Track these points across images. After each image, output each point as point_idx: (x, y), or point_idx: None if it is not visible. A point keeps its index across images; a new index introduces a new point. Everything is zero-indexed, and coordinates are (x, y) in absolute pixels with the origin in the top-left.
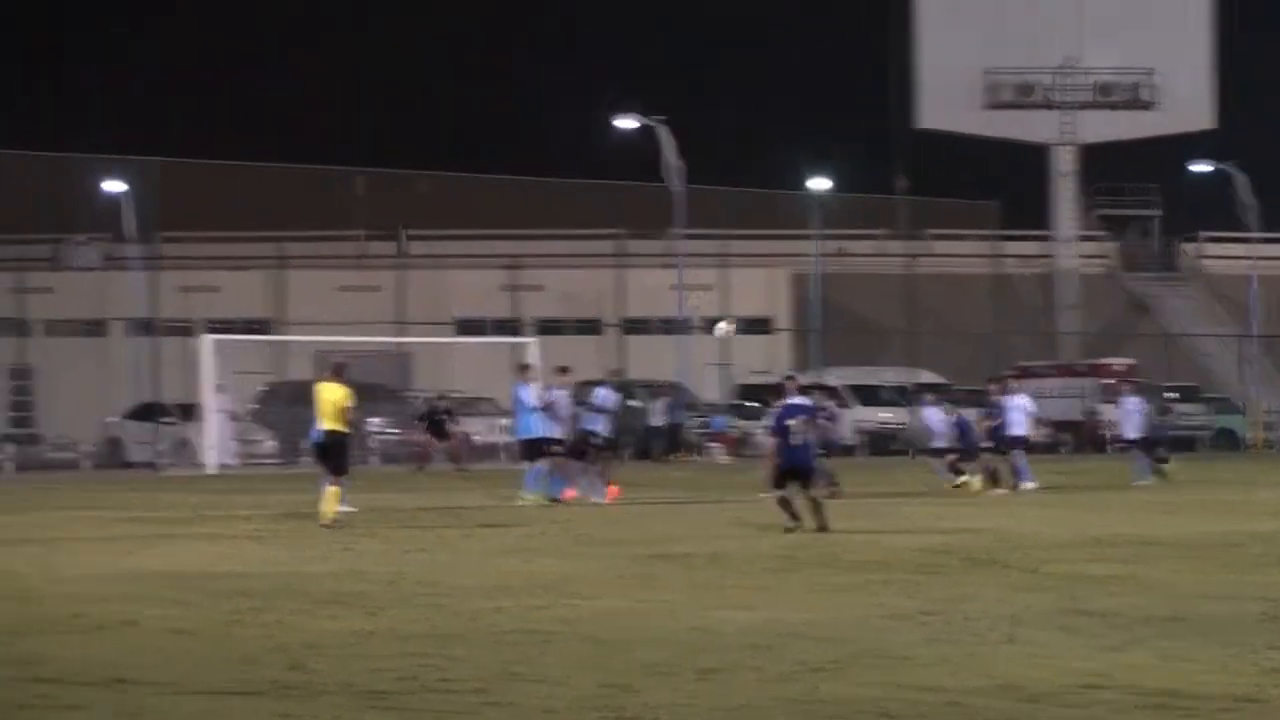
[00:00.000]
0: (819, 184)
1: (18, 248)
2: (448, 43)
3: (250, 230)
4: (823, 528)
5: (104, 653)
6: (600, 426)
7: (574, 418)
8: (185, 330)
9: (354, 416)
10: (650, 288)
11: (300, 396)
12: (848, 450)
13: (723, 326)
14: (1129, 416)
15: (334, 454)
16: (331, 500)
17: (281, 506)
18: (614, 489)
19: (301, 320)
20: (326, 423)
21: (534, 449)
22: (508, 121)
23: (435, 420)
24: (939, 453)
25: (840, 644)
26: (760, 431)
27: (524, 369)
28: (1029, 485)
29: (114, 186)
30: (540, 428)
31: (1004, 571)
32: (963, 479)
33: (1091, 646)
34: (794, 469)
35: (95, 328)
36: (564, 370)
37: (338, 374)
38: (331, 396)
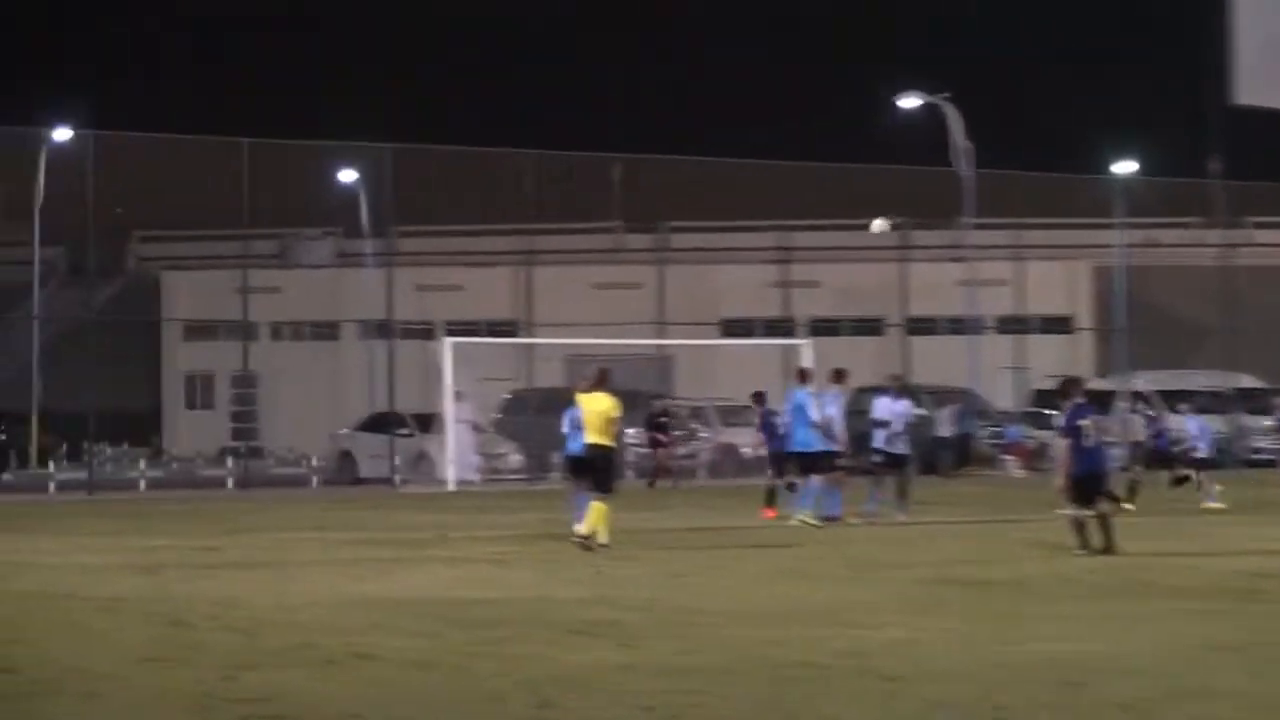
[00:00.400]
0: (1124, 167)
1: (242, 243)
2: (713, 18)
3: (495, 223)
4: (1108, 549)
5: (336, 688)
6: (885, 443)
7: (846, 428)
8: (424, 333)
9: (620, 429)
10: (936, 283)
11: (549, 405)
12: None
13: (879, 223)
14: None
15: (600, 470)
16: (597, 519)
17: (527, 526)
18: (770, 510)
19: (551, 321)
20: (591, 436)
21: (811, 463)
22: (778, 101)
23: (656, 425)
24: (1199, 465)
25: (1156, 679)
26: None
27: (803, 374)
28: None
29: (347, 176)
30: (818, 440)
31: None
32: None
33: None
34: (1090, 475)
35: (326, 330)
36: (840, 375)
37: (602, 382)
38: (597, 407)
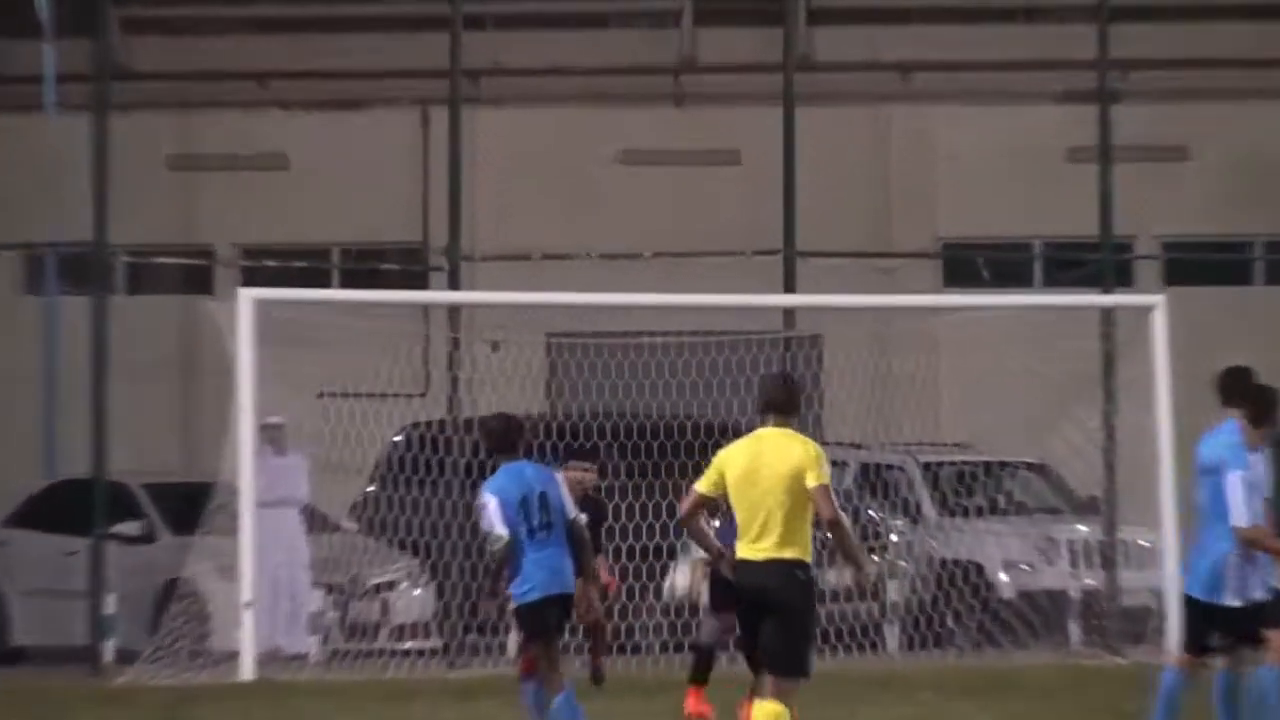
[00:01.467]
0: None
1: None
2: None
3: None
4: None
5: None
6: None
7: None
8: (188, 276)
9: (832, 513)
10: None
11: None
12: None
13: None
14: None
15: (776, 621)
16: None
17: None
18: (696, 695)
19: (510, 250)
20: (756, 539)
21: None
22: None
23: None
24: None
25: None
26: None
27: (1253, 402)
28: None
29: None
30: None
31: None
32: None
33: None
34: None
35: None
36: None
37: (788, 405)
38: (778, 464)
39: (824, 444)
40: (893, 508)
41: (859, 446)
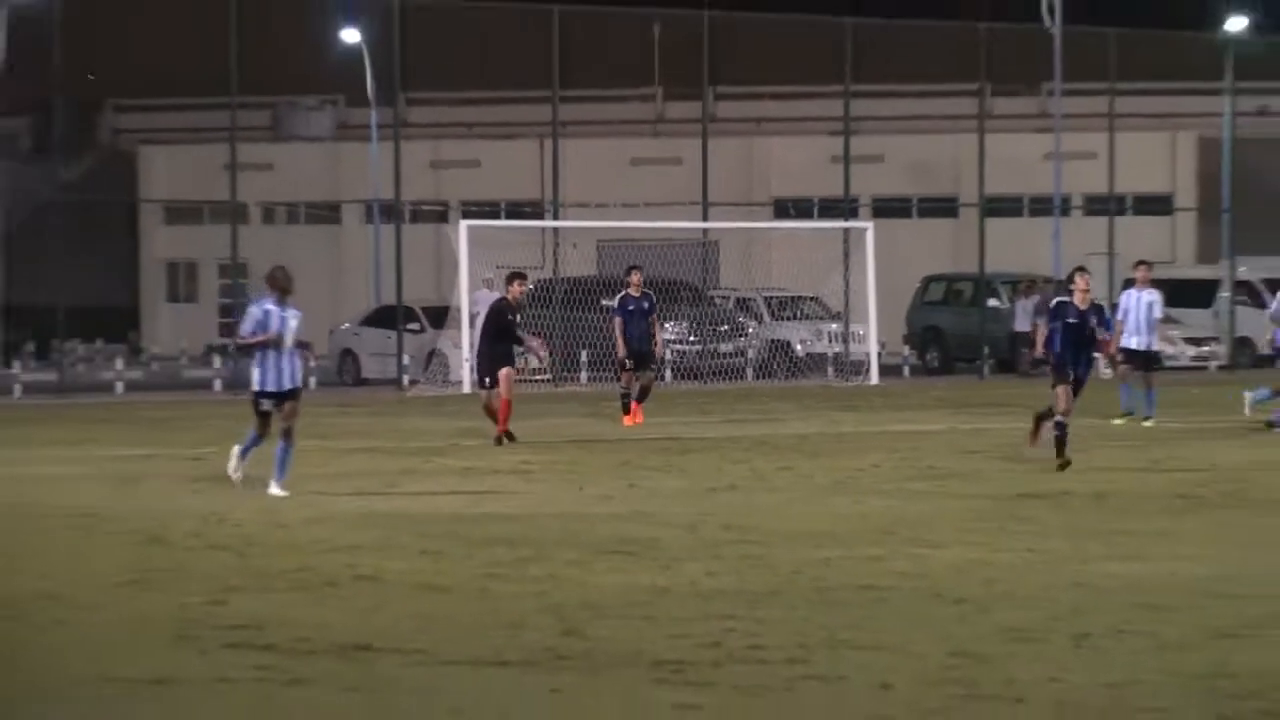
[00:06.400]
0: (1236, 24)
1: (230, 113)
2: None
3: (517, 89)
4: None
5: (337, 614)
6: None
7: None
8: (436, 215)
9: None
10: (1018, 158)
11: (578, 296)
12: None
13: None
14: None
15: None
16: None
17: (553, 433)
18: (634, 411)
19: (581, 201)
20: None
21: None
22: None
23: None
24: None
25: (1256, 602)
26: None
27: None
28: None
29: (350, 35)
30: None
31: None
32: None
33: None
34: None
35: (325, 213)
36: None
37: None
38: None
39: (716, 288)
40: (750, 316)
41: (734, 289)
